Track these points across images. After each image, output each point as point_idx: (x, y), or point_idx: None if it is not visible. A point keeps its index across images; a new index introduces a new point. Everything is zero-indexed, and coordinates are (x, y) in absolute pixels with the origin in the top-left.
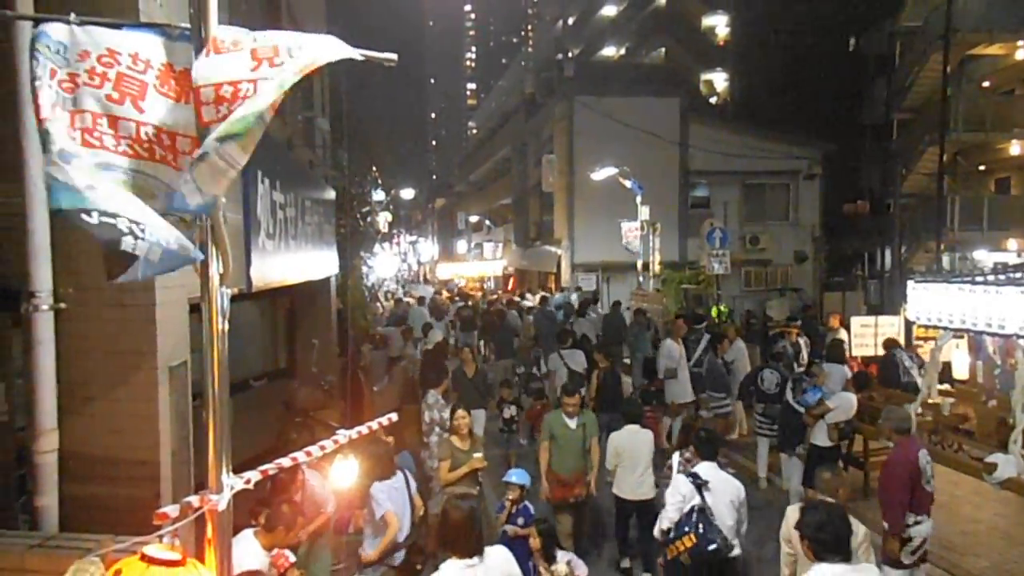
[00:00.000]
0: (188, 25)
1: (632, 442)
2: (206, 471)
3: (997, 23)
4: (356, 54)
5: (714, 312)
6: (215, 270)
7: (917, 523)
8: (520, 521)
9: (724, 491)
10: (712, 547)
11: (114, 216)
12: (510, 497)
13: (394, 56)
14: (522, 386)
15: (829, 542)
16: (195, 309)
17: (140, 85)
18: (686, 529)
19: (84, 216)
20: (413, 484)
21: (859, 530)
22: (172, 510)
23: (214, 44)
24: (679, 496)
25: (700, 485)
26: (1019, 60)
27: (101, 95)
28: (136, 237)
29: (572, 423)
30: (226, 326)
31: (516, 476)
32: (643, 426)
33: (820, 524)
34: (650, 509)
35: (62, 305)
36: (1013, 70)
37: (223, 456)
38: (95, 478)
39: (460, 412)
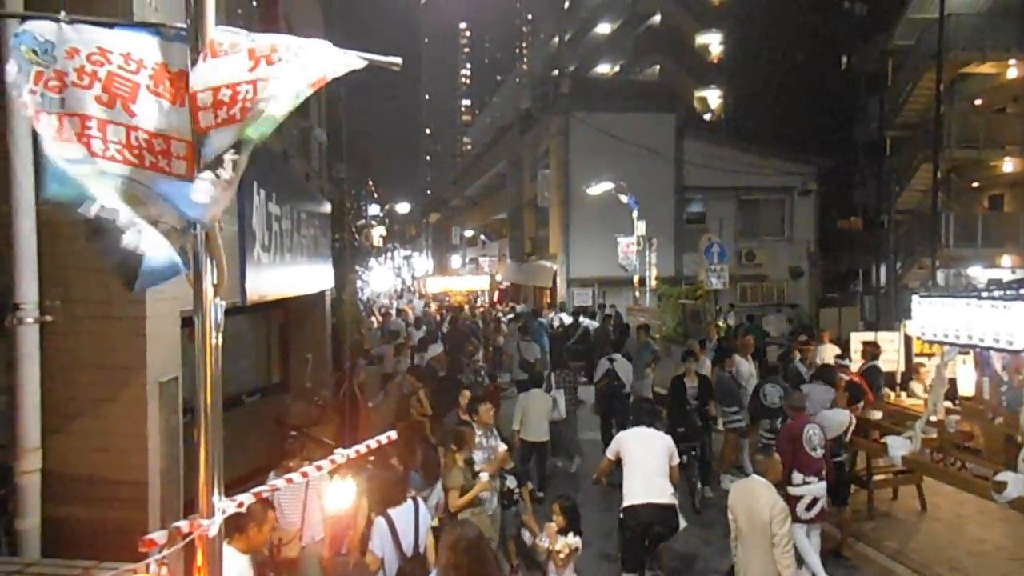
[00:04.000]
0: (184, 25)
1: (535, 402)
2: (196, 491)
3: (988, 42)
4: (359, 61)
5: (721, 326)
6: (209, 282)
7: (806, 483)
8: None
9: (622, 364)
10: (617, 383)
11: (115, 212)
12: None
13: (398, 60)
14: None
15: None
16: (186, 323)
17: (132, 86)
18: (608, 378)
19: (80, 209)
20: (424, 512)
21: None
22: (160, 536)
23: (211, 47)
24: (603, 368)
25: (613, 360)
26: (1010, 79)
27: (90, 96)
28: (134, 236)
29: None
30: (219, 340)
31: None
32: (546, 390)
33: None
34: (544, 447)
35: (48, 318)
36: (1004, 88)
37: (215, 477)
38: (80, 500)
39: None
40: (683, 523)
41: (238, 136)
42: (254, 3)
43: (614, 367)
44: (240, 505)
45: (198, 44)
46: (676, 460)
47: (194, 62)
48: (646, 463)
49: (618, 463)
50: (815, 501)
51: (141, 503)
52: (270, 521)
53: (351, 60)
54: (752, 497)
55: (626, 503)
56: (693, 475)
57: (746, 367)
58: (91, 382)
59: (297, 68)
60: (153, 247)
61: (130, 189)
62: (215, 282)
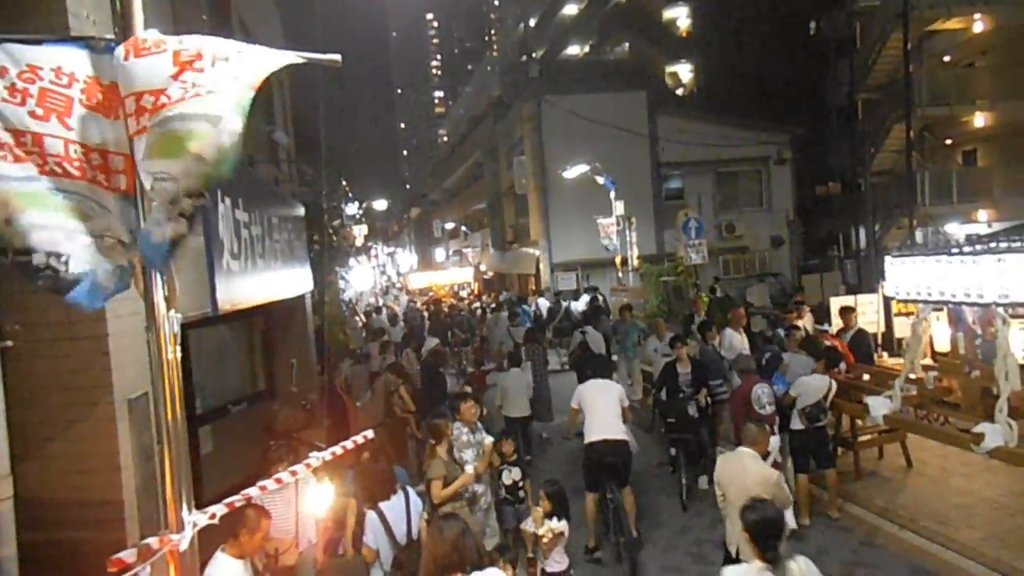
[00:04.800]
0: (114, 36)
1: (514, 380)
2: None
3: None
4: (296, 58)
5: (705, 300)
6: (160, 296)
7: None
8: None
9: (593, 335)
10: (589, 352)
11: (28, 253)
12: None
13: (337, 57)
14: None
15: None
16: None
17: (65, 100)
18: (580, 348)
19: None
20: (415, 500)
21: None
22: (129, 555)
23: (135, 46)
24: (576, 340)
25: (584, 332)
26: (977, 32)
27: (23, 112)
28: (55, 271)
29: None
30: (178, 353)
31: None
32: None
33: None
34: (528, 421)
35: (8, 343)
36: (972, 43)
37: (182, 491)
38: (56, 524)
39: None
40: (634, 448)
41: (202, 175)
42: (203, 15)
43: (585, 338)
44: (212, 517)
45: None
46: (626, 403)
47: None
48: (602, 408)
49: None
50: (767, 455)
51: (118, 523)
52: (263, 529)
53: (288, 58)
54: (742, 470)
55: (587, 440)
56: (679, 469)
57: (738, 340)
58: (58, 404)
59: (231, 78)
60: (81, 276)
61: (73, 203)
62: (166, 295)
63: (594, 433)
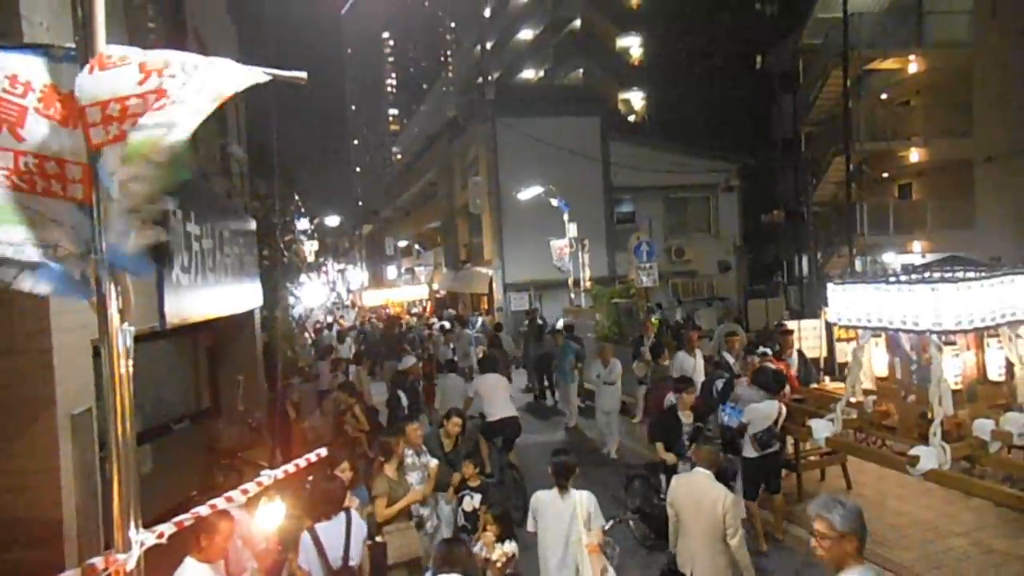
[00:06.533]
0: (73, 45)
1: (451, 383)
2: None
3: (890, 39)
4: (263, 76)
5: (654, 323)
6: (114, 308)
7: None
8: None
9: (506, 339)
10: (500, 351)
11: None
12: None
13: (303, 74)
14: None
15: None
16: (100, 351)
17: (19, 110)
18: (494, 346)
19: None
20: (358, 524)
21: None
22: (73, 575)
23: (99, 60)
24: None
25: (499, 337)
26: (912, 73)
27: None
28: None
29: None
30: (130, 368)
31: None
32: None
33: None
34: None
35: None
36: (907, 82)
37: (130, 510)
38: None
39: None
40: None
41: (152, 174)
42: (150, 24)
43: (500, 340)
44: (160, 536)
45: (87, 61)
46: (510, 391)
47: None
48: (499, 394)
49: None
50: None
51: (57, 542)
52: (223, 531)
53: (254, 76)
54: (700, 491)
55: (491, 419)
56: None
57: (690, 363)
58: None
59: (193, 91)
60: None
61: (22, 216)
62: (120, 307)
63: (496, 413)
